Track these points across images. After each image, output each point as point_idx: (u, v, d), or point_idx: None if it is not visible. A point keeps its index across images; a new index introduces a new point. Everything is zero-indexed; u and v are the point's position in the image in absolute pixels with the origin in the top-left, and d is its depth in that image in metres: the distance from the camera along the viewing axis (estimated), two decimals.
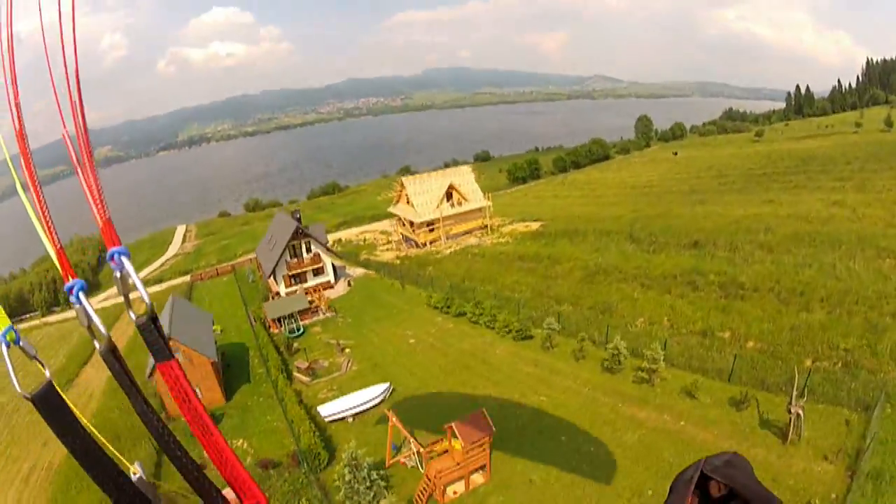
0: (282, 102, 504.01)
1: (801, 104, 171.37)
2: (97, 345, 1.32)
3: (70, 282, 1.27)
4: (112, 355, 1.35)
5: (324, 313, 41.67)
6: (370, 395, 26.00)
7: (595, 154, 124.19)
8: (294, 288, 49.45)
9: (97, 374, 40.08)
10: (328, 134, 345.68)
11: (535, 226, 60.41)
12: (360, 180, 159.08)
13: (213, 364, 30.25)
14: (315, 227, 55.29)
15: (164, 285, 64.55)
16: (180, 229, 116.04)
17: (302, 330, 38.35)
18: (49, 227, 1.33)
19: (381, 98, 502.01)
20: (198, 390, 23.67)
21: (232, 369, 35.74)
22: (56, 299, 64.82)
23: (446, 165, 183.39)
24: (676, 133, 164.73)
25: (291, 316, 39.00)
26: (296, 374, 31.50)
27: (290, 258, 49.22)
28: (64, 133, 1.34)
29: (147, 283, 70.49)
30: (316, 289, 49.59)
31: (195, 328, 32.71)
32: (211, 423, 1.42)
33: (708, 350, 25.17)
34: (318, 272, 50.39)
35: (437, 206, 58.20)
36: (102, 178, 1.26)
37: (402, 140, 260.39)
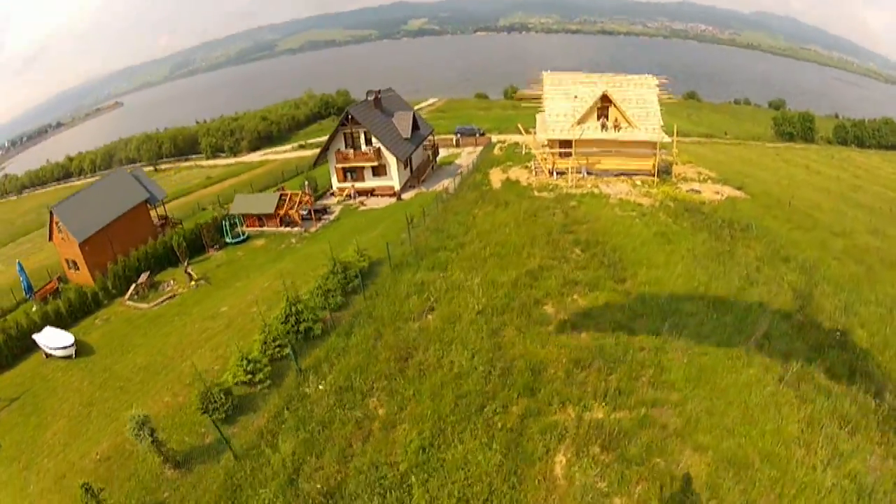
0: (611, 8, 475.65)
1: None
2: None
3: None
4: None
5: (297, 227, 31.01)
6: (54, 341, 19.56)
7: (883, 137, 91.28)
8: (346, 184, 39.93)
9: None
10: (642, 47, 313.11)
11: (726, 193, 32.32)
12: None
13: (80, 245, 28.23)
14: (401, 115, 42.38)
15: (309, 152, 64.02)
16: (426, 102, 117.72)
17: (243, 236, 29.42)
18: None
19: (711, 27, 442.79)
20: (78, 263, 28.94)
21: None
22: (221, 147, 71.79)
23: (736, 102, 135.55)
24: None
25: (254, 216, 30.14)
26: (133, 285, 23.65)
27: (345, 147, 39.08)
28: None
29: (307, 147, 70.69)
30: (372, 191, 38.98)
31: (99, 206, 30.30)
32: None
33: None
34: (377, 172, 39.03)
35: (578, 123, 36.47)
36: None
37: (702, 70, 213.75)
